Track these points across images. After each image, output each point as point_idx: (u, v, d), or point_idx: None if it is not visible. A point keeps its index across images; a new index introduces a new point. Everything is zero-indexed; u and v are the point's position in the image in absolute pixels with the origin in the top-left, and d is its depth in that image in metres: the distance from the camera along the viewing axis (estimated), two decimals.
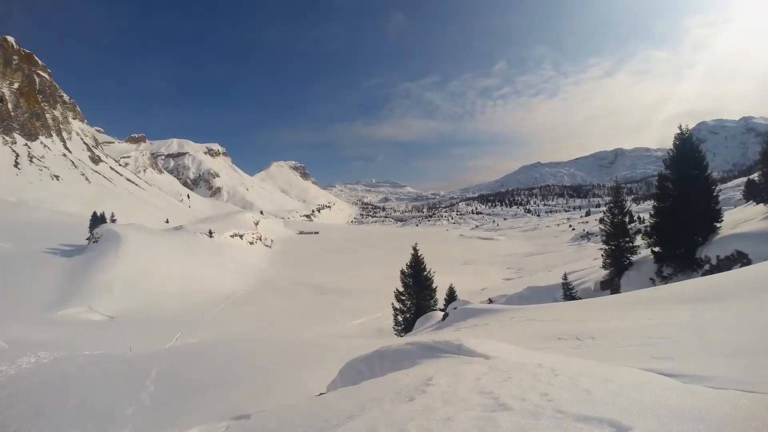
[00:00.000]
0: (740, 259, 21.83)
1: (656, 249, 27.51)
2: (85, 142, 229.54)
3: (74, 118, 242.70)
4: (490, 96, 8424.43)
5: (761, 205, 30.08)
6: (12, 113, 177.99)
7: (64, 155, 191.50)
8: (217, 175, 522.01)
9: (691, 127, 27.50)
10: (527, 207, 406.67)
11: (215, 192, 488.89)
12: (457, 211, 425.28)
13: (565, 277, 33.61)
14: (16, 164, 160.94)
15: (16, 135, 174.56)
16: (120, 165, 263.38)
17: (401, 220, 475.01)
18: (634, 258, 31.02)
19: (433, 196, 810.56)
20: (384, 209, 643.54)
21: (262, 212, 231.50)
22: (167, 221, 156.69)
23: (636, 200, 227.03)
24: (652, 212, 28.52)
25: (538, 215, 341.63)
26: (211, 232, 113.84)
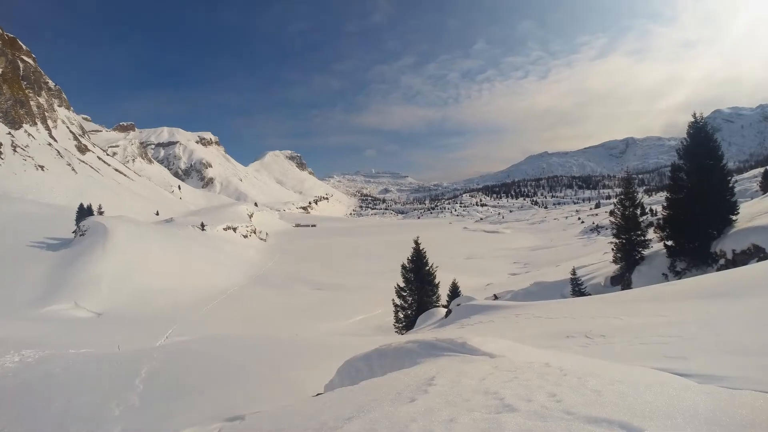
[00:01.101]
0: (757, 253, 21.81)
1: (669, 243, 27.51)
2: (71, 131, 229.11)
3: (60, 106, 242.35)
4: (473, 79, 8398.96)
5: None
6: None
7: (50, 144, 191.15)
8: (210, 165, 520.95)
9: (705, 114, 27.44)
10: (534, 199, 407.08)
11: (207, 183, 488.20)
12: (461, 203, 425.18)
13: (573, 272, 33.58)
14: None
15: None
16: (108, 155, 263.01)
17: (402, 213, 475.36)
18: (646, 252, 31.01)
19: (435, 187, 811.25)
20: (384, 201, 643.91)
21: (256, 204, 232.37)
22: (157, 213, 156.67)
23: (648, 192, 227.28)
24: (665, 204, 28.51)
25: (546, 207, 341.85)
26: (203, 225, 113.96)
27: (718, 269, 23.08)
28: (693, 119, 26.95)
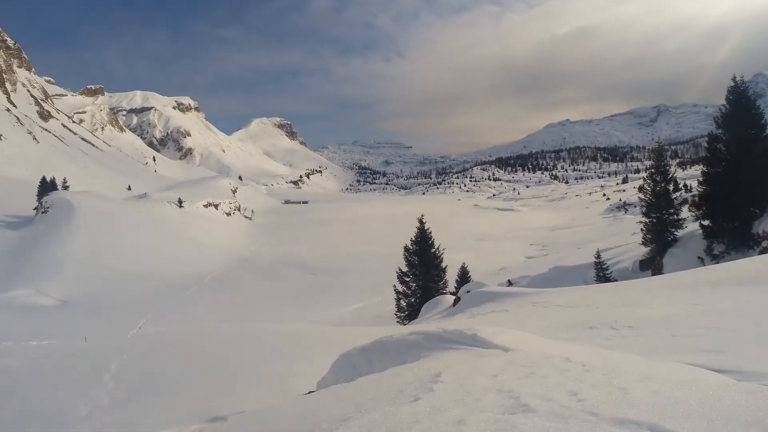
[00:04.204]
0: None
1: (705, 222, 27.50)
2: (32, 95, 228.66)
3: (20, 67, 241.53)
4: (407, 26, 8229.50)
5: None
6: None
7: (8, 110, 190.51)
8: (188, 134, 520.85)
9: (747, 78, 27.27)
10: (554, 172, 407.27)
11: (186, 154, 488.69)
12: (471, 177, 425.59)
13: (597, 256, 33.62)
14: None
15: None
16: (74, 122, 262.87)
17: (405, 188, 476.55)
18: (679, 233, 31.00)
19: (442, 159, 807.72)
20: (385, 174, 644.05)
21: (241, 178, 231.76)
22: (129, 188, 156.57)
23: (682, 165, 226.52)
24: (701, 179, 28.45)
25: (567, 182, 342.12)
26: (180, 202, 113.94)
27: (761, 252, 23.08)
28: (733, 83, 26.78)
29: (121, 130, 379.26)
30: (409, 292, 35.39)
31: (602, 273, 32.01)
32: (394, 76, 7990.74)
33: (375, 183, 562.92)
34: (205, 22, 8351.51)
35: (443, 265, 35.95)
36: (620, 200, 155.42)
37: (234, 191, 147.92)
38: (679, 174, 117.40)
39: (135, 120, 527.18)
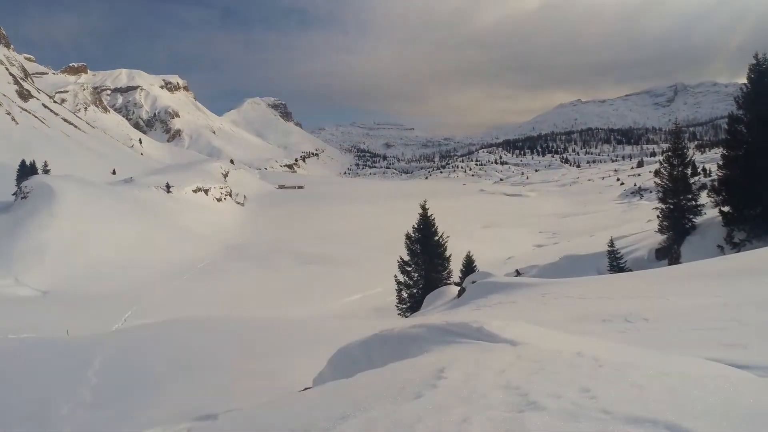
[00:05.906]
0: None
1: (725, 209, 27.42)
2: (11, 73, 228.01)
3: None
4: None
5: None
6: None
7: None
8: (177, 115, 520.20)
9: None
10: (564, 156, 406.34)
11: (174, 135, 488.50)
12: (477, 161, 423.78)
13: (611, 244, 33.58)
14: None
15: None
16: (55, 102, 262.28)
17: (407, 172, 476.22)
18: (697, 220, 30.97)
19: (446, 142, 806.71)
20: (386, 158, 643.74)
21: (232, 161, 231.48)
22: (114, 172, 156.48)
23: (701, 147, 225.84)
24: (721, 163, 28.35)
25: (578, 166, 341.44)
26: (168, 186, 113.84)
27: None
28: (755, 61, 26.63)
29: (106, 110, 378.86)
30: (411, 282, 35.38)
31: (616, 262, 31.98)
32: (363, 52, 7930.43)
33: (375, 167, 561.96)
34: None
35: (447, 253, 35.90)
36: (635, 185, 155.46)
37: (225, 175, 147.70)
38: (698, 157, 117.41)
39: (120, 100, 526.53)
